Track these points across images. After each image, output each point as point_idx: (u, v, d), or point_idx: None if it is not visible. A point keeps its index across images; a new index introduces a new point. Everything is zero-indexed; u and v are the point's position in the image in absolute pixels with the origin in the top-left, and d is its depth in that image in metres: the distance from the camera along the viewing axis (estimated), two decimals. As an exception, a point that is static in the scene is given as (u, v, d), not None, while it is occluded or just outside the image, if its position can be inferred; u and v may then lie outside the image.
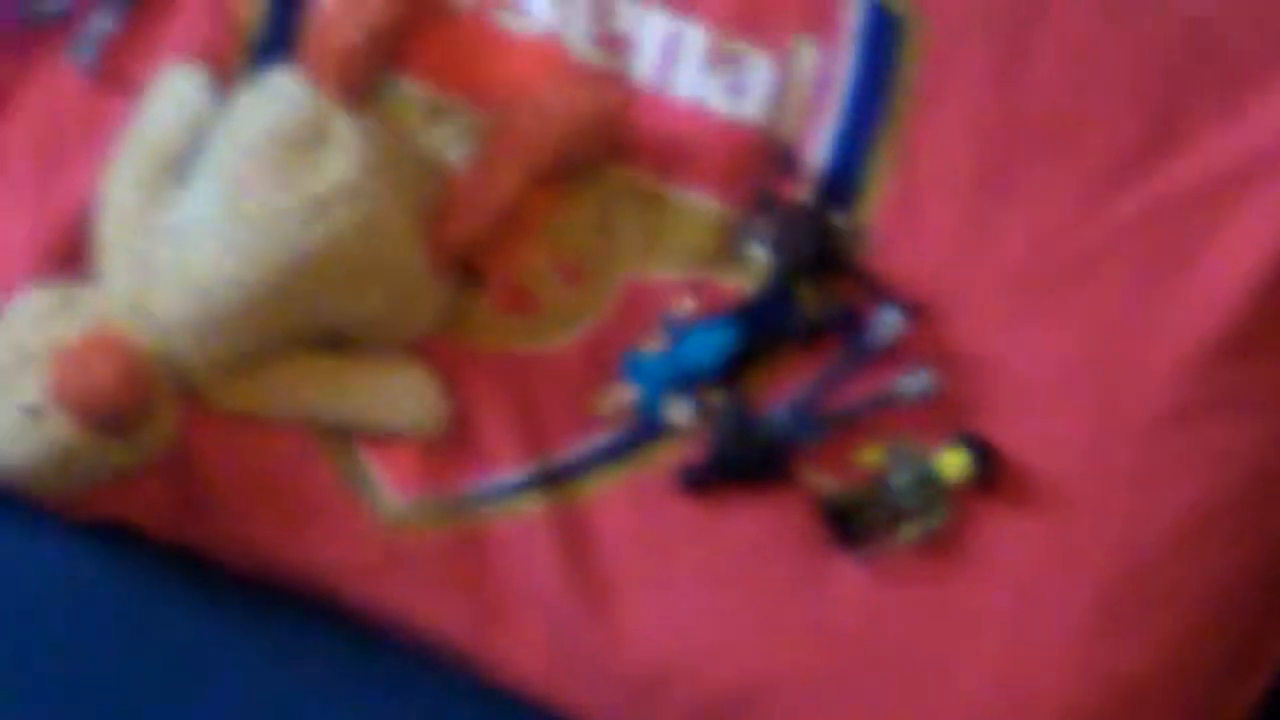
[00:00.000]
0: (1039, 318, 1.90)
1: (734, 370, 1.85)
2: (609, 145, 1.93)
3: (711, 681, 1.84)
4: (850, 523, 1.80)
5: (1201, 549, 1.84)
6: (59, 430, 1.75)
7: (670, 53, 2.00)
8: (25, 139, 1.94)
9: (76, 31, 1.94)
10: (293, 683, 2.06)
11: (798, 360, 1.85)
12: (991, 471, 1.79)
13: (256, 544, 1.91)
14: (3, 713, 2.08)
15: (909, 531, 1.78)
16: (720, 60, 1.98)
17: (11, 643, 2.06)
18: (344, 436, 1.86)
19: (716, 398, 1.84)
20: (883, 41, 1.99)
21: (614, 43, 1.97)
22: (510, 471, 1.84)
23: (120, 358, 1.73)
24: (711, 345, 1.86)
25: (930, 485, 1.78)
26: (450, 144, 1.95)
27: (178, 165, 1.87)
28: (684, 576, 1.87)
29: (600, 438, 1.87)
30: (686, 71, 1.99)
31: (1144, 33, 2.03)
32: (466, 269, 1.91)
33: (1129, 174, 1.94)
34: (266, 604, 2.01)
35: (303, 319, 1.85)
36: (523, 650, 1.87)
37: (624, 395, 1.85)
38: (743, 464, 1.83)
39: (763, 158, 1.94)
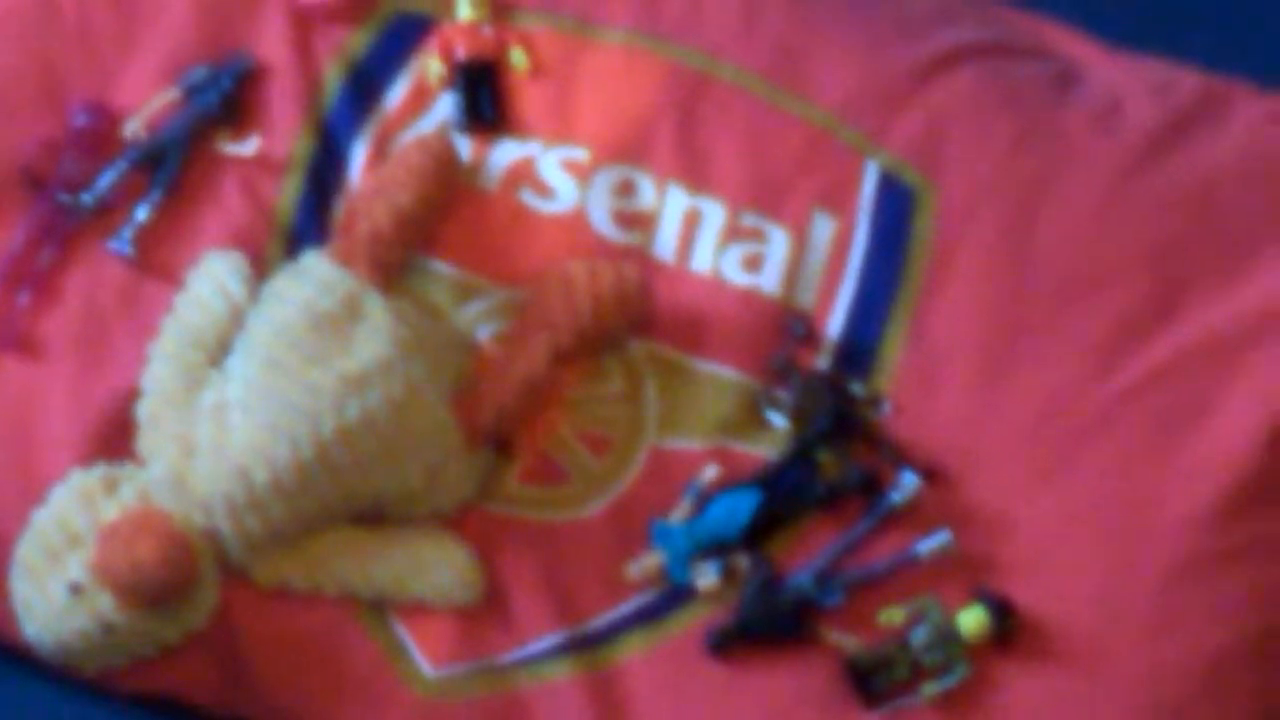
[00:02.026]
0: (1053, 476, 1.92)
1: (758, 534, 1.86)
2: (632, 320, 1.95)
3: None
4: (873, 681, 1.81)
5: (1221, 701, 1.85)
6: (103, 608, 1.77)
7: (690, 228, 2.03)
8: (68, 325, 1.95)
9: (116, 221, 1.96)
10: None
11: (819, 524, 1.88)
12: (1010, 628, 1.80)
13: (297, 715, 1.92)
14: None
15: (930, 689, 1.79)
16: (738, 234, 2.01)
17: None
18: (380, 608, 1.87)
19: (741, 562, 1.85)
20: (895, 212, 2.02)
21: (635, 220, 2.01)
22: (542, 639, 1.85)
23: (162, 536, 1.76)
24: (735, 511, 1.87)
25: (950, 643, 1.79)
26: (479, 322, 1.98)
27: (216, 348, 1.90)
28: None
29: (629, 603, 1.88)
30: (705, 246, 2.02)
31: (1150, 199, 2.07)
32: (497, 442, 1.94)
33: (1138, 335, 1.97)
34: None
35: (338, 495, 1.86)
36: None
37: (651, 561, 1.86)
38: (768, 626, 1.84)
39: (781, 328, 1.97)
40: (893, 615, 1.82)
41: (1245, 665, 1.88)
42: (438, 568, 1.88)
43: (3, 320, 1.95)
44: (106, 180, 1.98)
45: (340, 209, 2.01)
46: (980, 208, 2.04)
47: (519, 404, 1.92)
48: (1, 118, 2.07)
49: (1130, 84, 2.17)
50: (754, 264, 2.01)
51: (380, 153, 2.05)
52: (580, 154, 2.06)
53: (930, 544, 1.84)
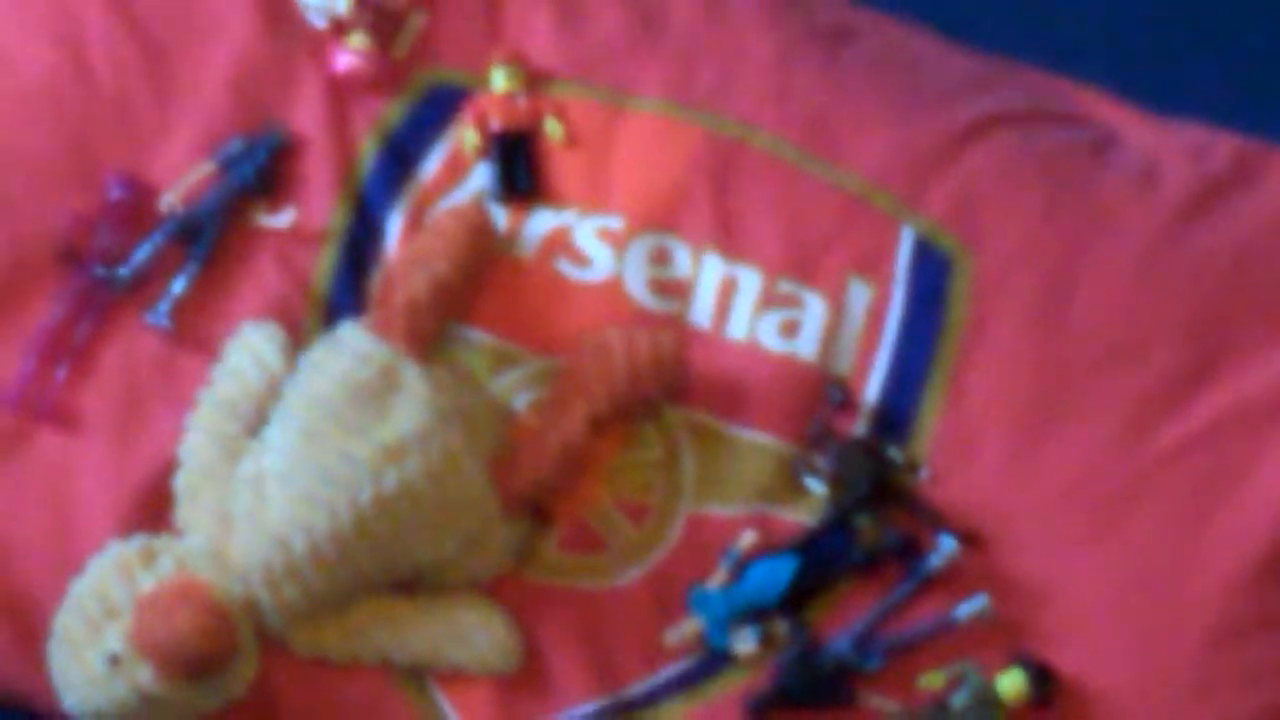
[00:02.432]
0: (1090, 542, 1.93)
1: (796, 600, 1.87)
2: (668, 387, 1.96)
3: None
4: None
5: None
6: (142, 678, 1.76)
7: (726, 295, 2.05)
8: (106, 397, 1.96)
9: (153, 293, 1.98)
10: None
11: (858, 589, 1.89)
12: (1049, 692, 1.80)
13: None
14: None
15: None
16: (774, 301, 2.03)
17: None
18: (419, 676, 1.87)
19: (780, 627, 1.86)
20: (931, 278, 2.04)
21: (672, 288, 2.02)
22: (582, 705, 1.86)
23: (200, 606, 1.77)
24: (773, 577, 1.88)
25: (990, 707, 1.79)
26: (516, 390, 2.00)
27: (254, 418, 1.92)
28: None
29: (668, 670, 1.88)
30: (742, 313, 2.04)
31: (1186, 265, 2.09)
32: (534, 510, 1.94)
33: (1175, 401, 1.99)
34: None
35: (376, 564, 1.87)
36: None
37: (690, 628, 1.87)
38: (807, 691, 1.84)
39: (818, 394, 1.99)
40: (932, 680, 1.82)
41: None
42: (476, 636, 1.88)
43: (40, 393, 1.95)
44: (143, 253, 1.99)
45: (376, 280, 2.03)
46: (1016, 274, 2.06)
47: (557, 472, 1.92)
48: (37, 192, 2.07)
49: (1166, 148, 2.18)
50: (791, 330, 2.02)
51: (416, 223, 2.06)
52: (616, 223, 2.06)
53: (969, 608, 1.84)
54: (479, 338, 2.02)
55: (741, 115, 2.12)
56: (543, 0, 2.21)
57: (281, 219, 2.05)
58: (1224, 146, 2.17)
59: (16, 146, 2.12)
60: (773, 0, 2.28)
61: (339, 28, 2.13)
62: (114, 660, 1.79)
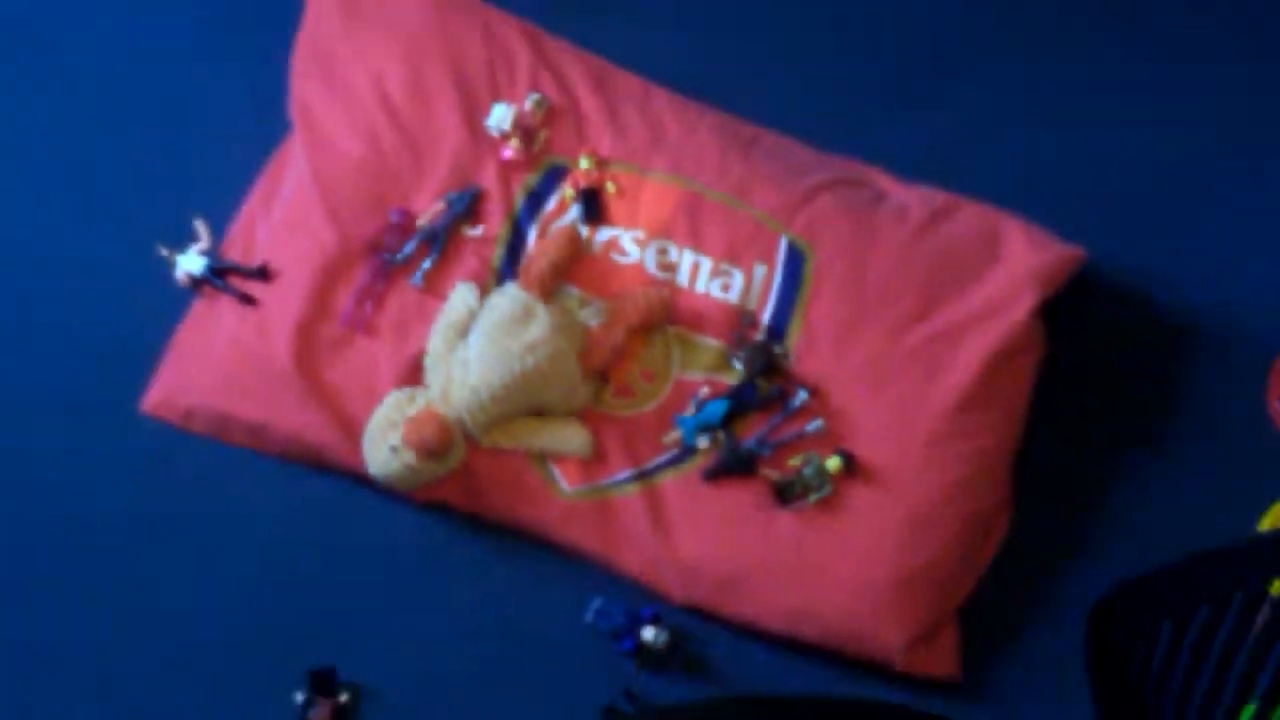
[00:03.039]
0: (874, 390, 2.34)
1: (728, 421, 2.30)
2: (665, 316, 2.36)
3: (720, 569, 2.25)
4: (785, 494, 2.26)
5: (957, 501, 2.28)
6: (407, 459, 2.21)
7: (694, 271, 2.42)
8: (389, 320, 2.36)
9: (413, 268, 2.38)
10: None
11: (758, 417, 2.33)
12: (852, 467, 2.26)
13: (500, 508, 2.33)
14: (378, 644, 2.30)
15: (814, 497, 2.25)
16: (718, 274, 2.40)
17: (385, 577, 2.34)
18: (541, 457, 2.31)
19: (720, 435, 2.30)
20: (795, 263, 2.40)
21: (668, 267, 2.40)
22: (621, 472, 2.30)
23: (436, 423, 2.21)
24: (716, 409, 2.30)
25: (823, 475, 2.25)
26: (591, 317, 2.35)
27: (463, 330, 2.32)
28: (705, 521, 2.28)
29: (664, 455, 2.32)
30: (702, 279, 2.41)
31: (919, 255, 2.42)
32: (600, 376, 2.34)
33: (918, 319, 2.37)
34: (483, 543, 2.38)
35: (522, 402, 2.27)
36: (628, 556, 2.29)
37: (675, 435, 2.30)
38: (733, 466, 2.28)
39: (739, 321, 2.38)
40: (795, 460, 2.27)
41: (965, 490, 2.30)
42: (571, 436, 2.30)
43: (356, 318, 2.36)
44: (408, 248, 2.38)
45: (523, 261, 2.39)
46: (834, 260, 2.40)
47: (611, 358, 2.32)
48: (357, 215, 2.41)
49: (910, 197, 2.48)
50: (726, 289, 2.40)
51: (543, 234, 2.41)
52: (640, 234, 2.42)
53: (812, 426, 2.30)
54: (572, 290, 2.38)
55: (702, 181, 2.43)
56: (605, 124, 2.49)
57: (477, 231, 2.40)
58: (940, 196, 2.48)
59: (346, 192, 2.42)
60: (719, 122, 2.52)
61: (505, 136, 2.44)
62: (394, 449, 2.22)
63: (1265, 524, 2.26)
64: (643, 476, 2.29)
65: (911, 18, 2.73)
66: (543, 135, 2.44)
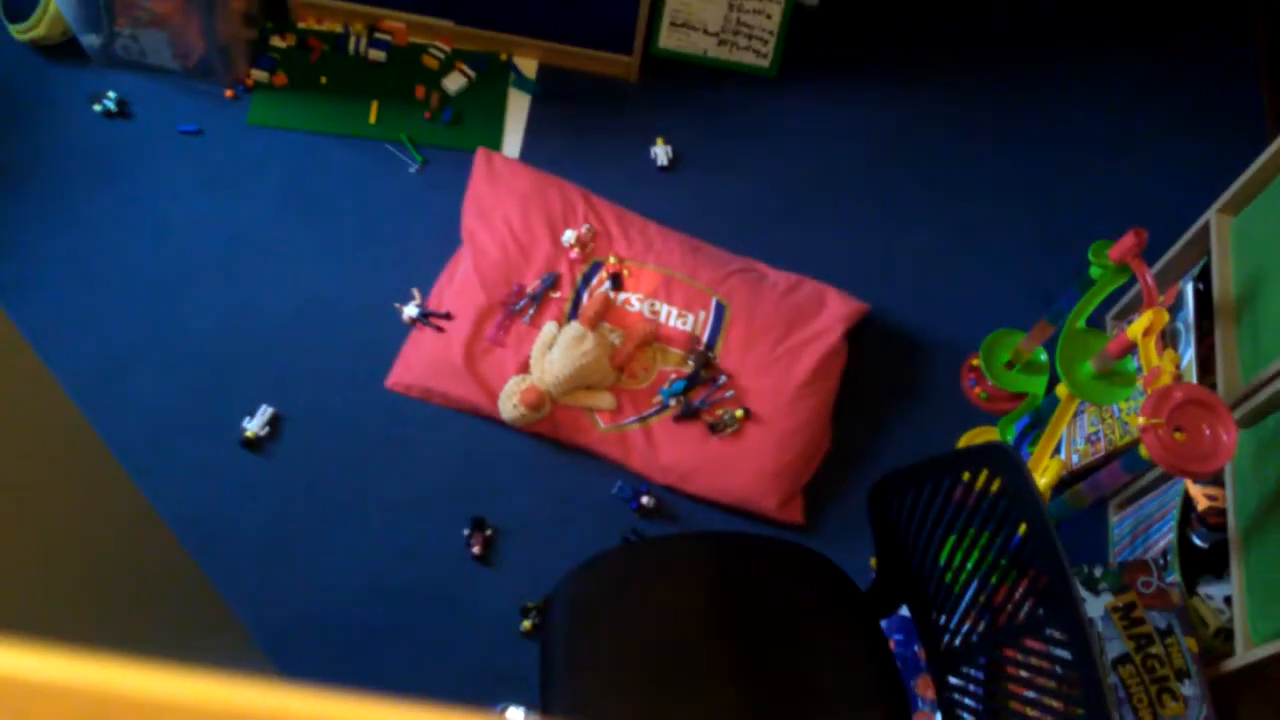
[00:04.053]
0: (760, 377, 2.32)
1: (685, 392, 2.30)
2: (653, 338, 2.34)
3: (681, 467, 2.25)
4: (715, 429, 2.26)
5: (803, 431, 2.28)
6: (522, 410, 2.23)
7: (668, 314, 2.39)
8: (513, 341, 2.32)
9: (524, 313, 2.35)
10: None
11: (701, 389, 2.32)
12: (750, 415, 2.27)
13: (568, 436, 2.29)
14: (506, 502, 2.23)
15: (729, 431, 2.27)
16: (680, 317, 2.38)
17: (511, 469, 2.26)
18: (590, 409, 2.27)
19: (682, 399, 2.30)
20: (719, 310, 2.39)
21: (655, 313, 2.36)
22: (630, 418, 2.29)
23: (536, 392, 2.22)
24: (680, 385, 2.30)
25: (734, 419, 2.27)
26: (615, 339, 2.32)
27: (550, 344, 2.30)
28: (675, 443, 2.27)
29: (653, 409, 2.30)
30: (672, 319, 2.38)
31: (784, 306, 2.38)
32: (619, 368, 2.31)
33: (783, 341, 2.35)
34: (558, 455, 2.32)
35: (580, 381, 2.25)
36: (635, 461, 2.26)
37: (659, 398, 2.30)
38: (689, 415, 2.29)
39: (691, 339, 2.37)
40: (720, 412, 2.28)
41: (807, 426, 2.29)
42: (605, 399, 2.30)
43: (496, 339, 2.30)
44: (522, 304, 2.34)
45: (581, 310, 2.34)
46: (740, 310, 2.38)
47: (625, 361, 2.31)
48: (497, 287, 2.36)
49: (778, 276, 2.45)
50: (685, 323, 2.38)
51: (591, 296, 2.37)
52: (640, 296, 2.39)
53: (728, 394, 2.31)
54: (606, 325, 2.35)
55: (671, 269, 2.41)
56: (622, 240, 2.45)
57: (556, 294, 2.37)
58: (794, 277, 2.45)
59: (490, 275, 2.38)
60: (680, 239, 2.47)
61: (571, 247, 2.41)
62: (515, 406, 2.23)
63: (960, 443, 2.34)
64: (642, 420, 2.32)
65: (779, 174, 2.70)
66: (591, 247, 2.46)
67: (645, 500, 2.26)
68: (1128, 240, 1.81)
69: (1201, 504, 1.89)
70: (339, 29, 2.66)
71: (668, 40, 2.68)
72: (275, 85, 2.57)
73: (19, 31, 2.44)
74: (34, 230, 2.36)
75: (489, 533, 2.20)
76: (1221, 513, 1.85)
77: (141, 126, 2.50)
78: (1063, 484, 2.18)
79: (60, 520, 0.84)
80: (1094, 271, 1.89)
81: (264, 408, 2.26)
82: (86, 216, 2.39)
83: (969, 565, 1.36)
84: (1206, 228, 2.02)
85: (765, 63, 2.70)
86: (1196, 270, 2.06)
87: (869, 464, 2.33)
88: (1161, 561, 1.94)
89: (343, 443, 2.25)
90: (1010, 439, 2.21)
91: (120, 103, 2.51)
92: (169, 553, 1.12)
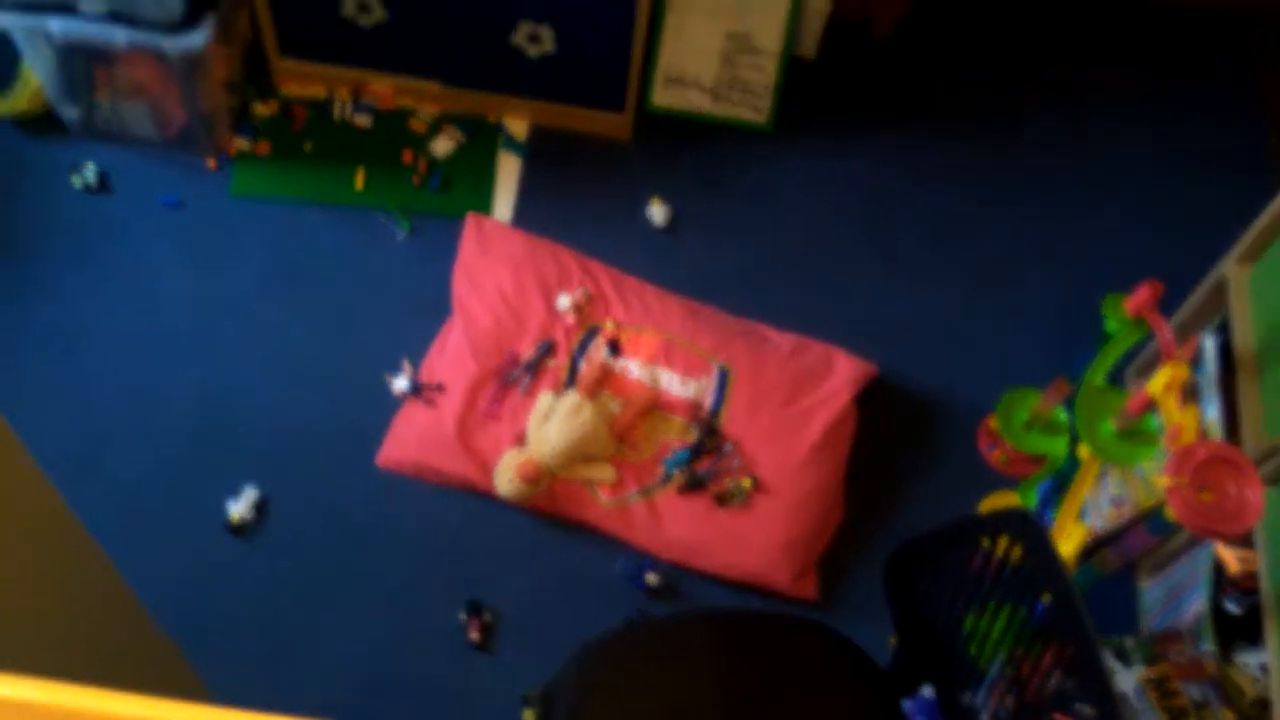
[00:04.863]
0: (768, 444, 2.30)
1: (690, 461, 2.28)
2: (653, 406, 2.33)
3: (688, 542, 2.23)
4: (722, 500, 2.25)
5: (814, 501, 2.26)
6: (519, 485, 2.21)
7: (669, 381, 2.36)
8: (508, 413, 2.30)
9: (519, 383, 2.33)
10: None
11: (706, 458, 2.30)
12: (758, 484, 2.26)
13: (567, 512, 2.25)
14: (504, 584, 2.22)
15: (737, 501, 2.25)
16: (683, 383, 2.36)
17: (507, 548, 2.25)
18: (590, 482, 2.26)
19: (687, 469, 2.28)
20: (722, 376, 2.36)
21: (655, 379, 2.34)
22: (632, 491, 2.27)
23: (533, 465, 2.20)
24: (684, 455, 2.29)
25: (742, 489, 2.25)
26: (615, 407, 2.32)
27: (547, 414, 2.26)
28: (680, 517, 2.25)
29: (656, 480, 2.29)
30: (674, 386, 2.36)
31: (790, 368, 2.37)
32: (619, 438, 2.30)
33: (792, 403, 2.33)
34: (558, 532, 2.30)
35: (578, 453, 2.23)
36: (638, 536, 2.24)
37: (661, 469, 2.29)
38: (694, 486, 2.27)
39: (694, 406, 2.34)
40: (727, 482, 2.25)
41: (818, 495, 2.27)
42: (606, 471, 2.27)
43: (490, 411, 2.28)
44: (517, 373, 2.32)
45: (578, 378, 2.34)
46: (743, 375, 2.35)
47: (626, 430, 2.30)
48: (490, 356, 2.34)
49: (782, 339, 2.43)
50: (686, 388, 2.35)
51: (588, 364, 2.35)
52: (640, 362, 2.37)
53: (734, 463, 2.30)
54: (605, 393, 2.34)
55: (671, 333, 2.39)
56: (619, 304, 2.43)
57: (552, 362, 2.36)
58: (798, 339, 2.44)
59: (483, 344, 2.36)
60: (678, 301, 2.46)
61: (566, 312, 2.40)
62: (511, 480, 2.21)
63: (980, 509, 2.30)
64: (645, 492, 2.31)
65: (779, 233, 2.74)
66: (587, 312, 2.46)
67: (651, 578, 2.24)
68: (1143, 293, 1.83)
69: (1233, 568, 1.88)
70: (323, 95, 2.67)
71: (661, 97, 2.72)
72: (258, 154, 2.59)
73: (-3, 105, 2.44)
74: (12, 304, 2.39)
75: (487, 617, 2.20)
76: (1254, 576, 1.83)
77: (122, 199, 2.53)
78: (1089, 550, 2.13)
79: (31, 600, 0.84)
80: (1109, 326, 1.91)
81: (249, 488, 2.27)
82: (67, 290, 2.41)
83: (994, 636, 1.38)
84: (1223, 279, 2.03)
85: (762, 118, 2.73)
86: (1216, 322, 2.07)
87: (886, 534, 2.30)
88: (1195, 629, 1.93)
89: (331, 525, 2.25)
90: (1032, 503, 2.18)
91: (100, 175, 2.54)
92: (148, 639, 1.13)
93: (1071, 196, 2.74)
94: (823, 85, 2.83)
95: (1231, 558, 1.89)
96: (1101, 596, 2.17)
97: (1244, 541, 1.86)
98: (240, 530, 2.22)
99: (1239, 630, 1.90)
